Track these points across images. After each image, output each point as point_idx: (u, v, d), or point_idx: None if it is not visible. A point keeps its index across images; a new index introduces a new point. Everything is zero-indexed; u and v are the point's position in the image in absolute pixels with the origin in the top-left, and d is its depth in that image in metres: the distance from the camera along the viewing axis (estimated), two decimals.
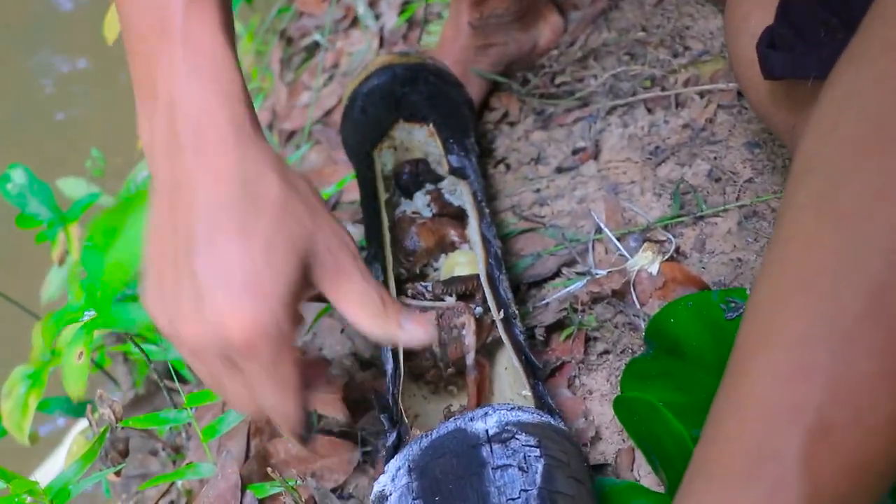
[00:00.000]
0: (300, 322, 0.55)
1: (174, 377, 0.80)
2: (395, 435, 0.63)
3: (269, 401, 0.54)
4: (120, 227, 0.64)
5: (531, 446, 0.54)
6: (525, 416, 0.57)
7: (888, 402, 0.38)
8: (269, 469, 0.66)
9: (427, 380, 0.72)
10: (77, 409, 1.16)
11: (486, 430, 0.56)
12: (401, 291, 0.77)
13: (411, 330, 0.57)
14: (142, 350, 0.75)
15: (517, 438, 0.55)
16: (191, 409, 0.75)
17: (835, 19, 0.57)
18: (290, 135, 1.36)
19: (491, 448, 0.54)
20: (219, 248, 0.51)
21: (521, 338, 0.69)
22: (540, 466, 0.53)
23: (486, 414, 0.57)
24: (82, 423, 1.34)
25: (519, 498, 0.52)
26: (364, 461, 0.73)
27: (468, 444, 0.55)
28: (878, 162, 0.39)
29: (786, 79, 0.62)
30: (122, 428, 0.77)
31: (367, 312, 0.56)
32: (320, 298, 0.57)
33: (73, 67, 2.54)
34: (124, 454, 0.78)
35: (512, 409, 0.58)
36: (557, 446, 0.56)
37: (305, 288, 0.55)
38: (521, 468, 0.53)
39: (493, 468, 0.53)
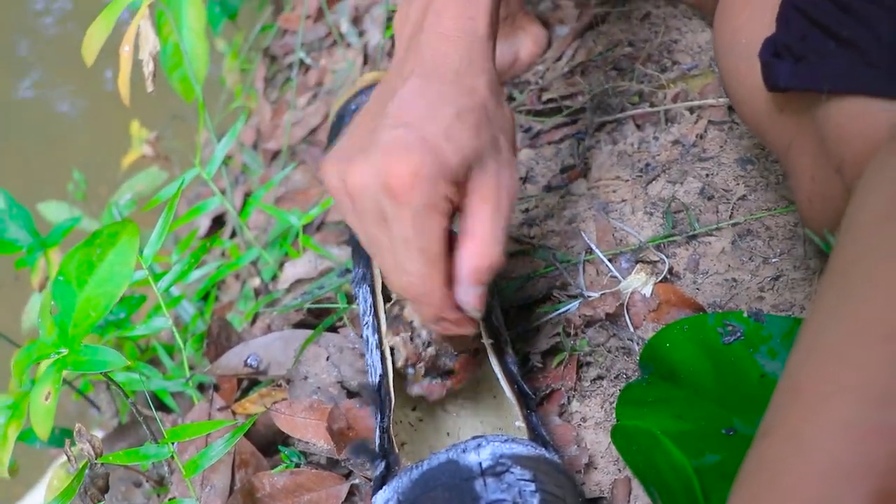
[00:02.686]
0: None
1: (151, 406, 0.77)
2: (383, 465, 0.61)
3: (411, 267, 0.56)
4: (96, 262, 0.62)
5: (526, 480, 0.52)
6: (519, 449, 0.55)
7: None
8: None
9: (414, 406, 0.70)
10: (59, 440, 1.14)
11: (480, 463, 0.53)
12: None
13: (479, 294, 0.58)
14: (118, 385, 0.73)
15: (511, 472, 0.53)
16: (172, 443, 0.72)
17: (846, 31, 0.55)
18: (275, 154, 1.34)
19: (485, 482, 0.52)
20: (413, 106, 0.57)
21: (514, 366, 0.67)
22: (535, 502, 0.51)
23: (479, 445, 0.55)
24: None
25: None
26: (353, 493, 0.70)
27: (461, 477, 0.53)
28: None
29: (791, 90, 0.60)
30: (102, 463, 0.75)
31: (489, 232, 0.57)
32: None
33: (57, 89, 2.53)
34: (104, 490, 0.76)
35: (506, 440, 0.55)
36: (552, 480, 0.54)
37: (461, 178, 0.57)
38: (515, 503, 0.51)
39: (487, 503, 0.51)
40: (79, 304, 0.62)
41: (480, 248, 0.57)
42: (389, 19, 1.32)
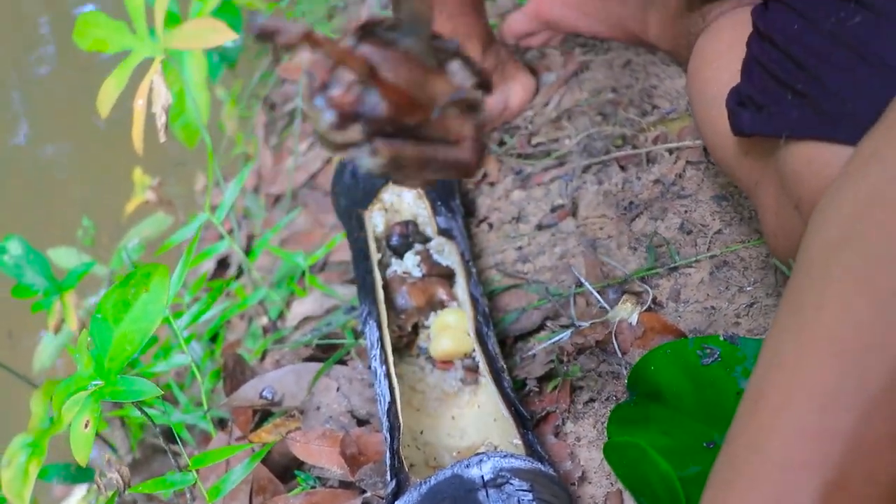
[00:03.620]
0: None
1: (177, 439, 0.83)
2: (394, 483, 0.66)
3: None
4: (132, 301, 0.68)
5: (524, 490, 0.58)
6: (517, 463, 0.61)
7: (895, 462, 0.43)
8: None
9: (422, 430, 0.76)
10: (76, 476, 1.19)
11: (482, 476, 0.59)
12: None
13: None
14: (146, 414, 0.79)
15: (511, 483, 0.58)
16: (194, 470, 0.78)
17: (800, 84, 0.62)
18: (277, 198, 1.40)
19: (487, 493, 0.58)
20: None
21: (510, 390, 0.73)
22: None
23: (480, 461, 0.61)
24: (78, 490, 1.36)
25: None
26: None
27: (465, 489, 0.59)
28: None
29: (755, 135, 0.67)
30: (129, 493, 0.80)
31: None
32: None
33: (50, 139, 2.59)
34: None
35: (505, 456, 0.61)
36: (548, 490, 0.59)
37: None
38: None
39: None
40: (115, 340, 0.68)
41: None
42: None
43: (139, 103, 1.00)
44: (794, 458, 0.43)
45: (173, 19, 1.44)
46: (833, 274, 0.46)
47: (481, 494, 0.58)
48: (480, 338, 0.77)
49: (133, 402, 0.82)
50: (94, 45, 1.01)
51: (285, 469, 0.86)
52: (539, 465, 0.62)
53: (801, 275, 0.48)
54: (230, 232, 1.44)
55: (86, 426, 0.69)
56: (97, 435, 1.26)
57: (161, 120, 0.98)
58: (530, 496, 0.58)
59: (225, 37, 0.95)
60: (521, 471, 0.60)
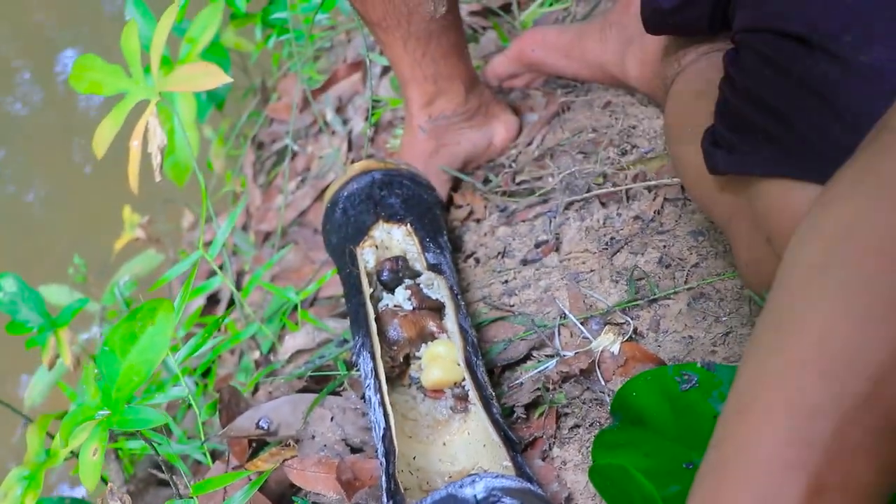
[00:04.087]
0: None
1: (183, 469, 0.85)
2: None
3: None
4: (138, 333, 0.71)
5: None
6: (508, 483, 0.64)
7: (869, 472, 0.47)
8: None
9: (415, 456, 0.79)
10: None
11: (475, 496, 0.63)
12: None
13: None
14: (150, 443, 0.82)
15: (502, 501, 0.62)
16: (195, 497, 0.80)
17: (771, 126, 0.67)
18: (267, 235, 1.44)
19: None
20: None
21: (499, 416, 0.76)
22: None
23: (473, 481, 0.64)
24: None
25: None
26: None
27: None
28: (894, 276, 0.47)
29: (729, 174, 0.72)
30: None
31: None
32: None
33: (33, 181, 2.62)
34: None
35: (496, 476, 0.65)
36: None
37: None
38: None
39: None
40: (122, 371, 0.71)
41: None
42: (370, 108, 1.44)
43: (135, 144, 1.03)
44: (780, 461, 0.47)
45: (164, 62, 1.48)
46: (816, 296, 0.50)
47: None
48: (470, 367, 0.81)
49: (138, 433, 0.85)
50: (91, 87, 1.05)
51: (281, 497, 0.89)
52: (529, 485, 0.66)
53: (784, 294, 0.52)
54: (221, 268, 1.48)
55: (94, 454, 0.72)
56: None
57: (157, 160, 1.01)
58: None
59: (218, 80, 0.99)
60: (512, 490, 0.64)
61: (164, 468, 0.83)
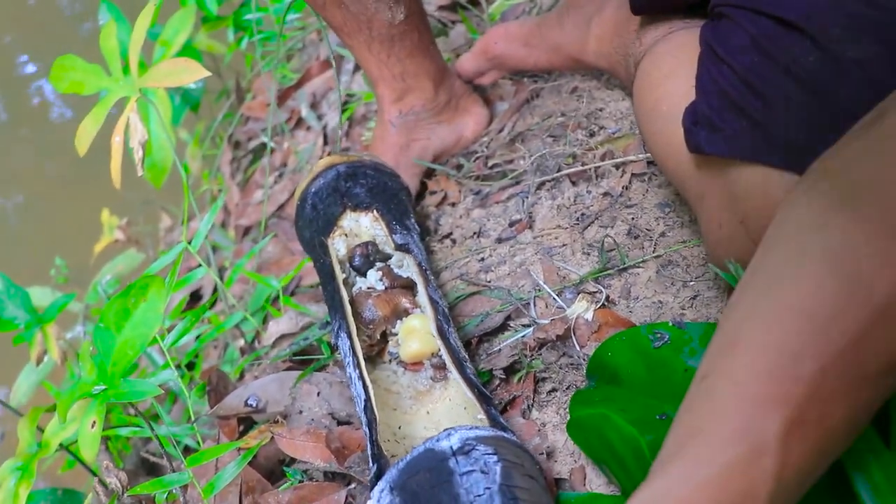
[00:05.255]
0: None
1: (166, 451, 0.88)
2: (376, 466, 0.73)
3: None
4: (132, 309, 0.74)
5: (489, 454, 0.66)
6: (482, 432, 0.68)
7: (843, 412, 0.52)
8: None
9: (399, 426, 0.83)
10: (62, 500, 1.23)
11: (451, 447, 0.67)
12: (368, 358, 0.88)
13: None
14: (147, 421, 0.84)
15: (477, 449, 0.66)
16: (189, 469, 0.83)
17: (755, 112, 0.69)
18: (247, 230, 1.46)
19: (456, 459, 0.66)
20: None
21: (472, 375, 0.80)
22: (498, 468, 0.65)
23: (448, 434, 0.68)
24: None
25: (483, 494, 0.63)
26: (350, 496, 0.82)
27: (437, 459, 0.66)
28: (886, 237, 0.52)
29: (711, 155, 0.74)
30: (129, 496, 0.85)
31: None
32: None
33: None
34: None
35: (471, 428, 0.69)
36: (511, 452, 0.67)
37: None
38: (482, 471, 0.65)
39: (459, 474, 0.65)
40: (117, 346, 0.74)
41: None
42: (345, 103, 1.47)
43: (116, 140, 1.05)
44: (764, 394, 0.51)
45: (140, 66, 1.51)
46: (809, 253, 0.54)
47: (451, 462, 0.66)
48: (442, 334, 0.84)
49: (135, 412, 0.87)
50: (71, 87, 1.07)
51: (271, 472, 0.92)
52: (502, 433, 0.70)
53: (776, 252, 0.56)
54: (205, 263, 1.50)
55: (92, 426, 0.75)
56: (79, 461, 1.31)
57: (138, 154, 1.04)
58: (495, 458, 0.66)
59: (198, 74, 1.01)
60: (486, 438, 0.68)
61: (160, 447, 0.86)
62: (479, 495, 0.63)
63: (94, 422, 0.75)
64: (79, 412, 0.79)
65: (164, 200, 1.97)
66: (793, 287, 0.54)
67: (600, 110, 1.14)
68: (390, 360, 0.93)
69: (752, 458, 0.51)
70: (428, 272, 0.94)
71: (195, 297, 1.52)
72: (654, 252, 0.92)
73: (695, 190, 0.81)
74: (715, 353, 0.56)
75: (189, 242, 1.08)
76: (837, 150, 0.57)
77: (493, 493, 0.63)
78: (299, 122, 1.53)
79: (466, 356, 0.83)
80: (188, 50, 1.70)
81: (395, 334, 0.92)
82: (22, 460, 1.02)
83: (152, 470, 1.25)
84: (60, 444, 1.02)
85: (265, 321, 1.21)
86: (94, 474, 1.33)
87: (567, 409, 0.82)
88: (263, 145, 1.60)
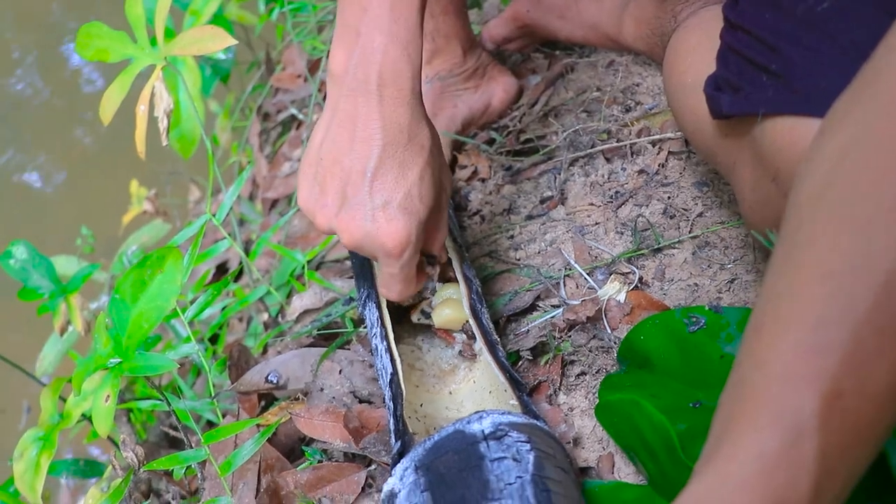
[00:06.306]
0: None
1: (186, 426, 0.86)
2: (399, 443, 0.71)
3: (397, 287, 0.78)
4: (148, 281, 0.71)
5: (522, 441, 0.63)
6: (515, 419, 0.65)
7: (886, 375, 0.47)
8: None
9: (422, 403, 0.80)
10: (85, 471, 1.22)
11: (483, 430, 0.64)
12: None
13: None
14: (164, 396, 0.82)
15: (510, 435, 0.63)
16: (207, 446, 0.81)
17: (774, 65, 0.67)
18: (274, 203, 1.44)
19: (488, 444, 0.62)
20: (386, 178, 0.73)
21: (504, 359, 0.77)
22: (531, 457, 0.62)
23: (480, 417, 0.65)
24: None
25: (515, 483, 0.60)
26: (371, 478, 0.80)
27: (467, 442, 0.63)
28: (892, 186, 0.48)
29: (733, 116, 0.72)
30: (144, 471, 0.84)
31: (440, 247, 0.83)
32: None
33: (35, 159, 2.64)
34: (147, 495, 0.85)
35: (503, 413, 0.66)
36: (544, 442, 0.64)
37: (436, 212, 0.78)
38: (514, 459, 0.61)
39: (490, 460, 0.61)
40: (132, 319, 0.72)
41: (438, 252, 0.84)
42: None
43: (141, 109, 1.03)
44: (794, 374, 0.48)
45: (168, 34, 1.48)
46: (820, 215, 0.51)
47: (482, 446, 0.63)
48: (475, 314, 0.81)
49: (155, 387, 0.86)
50: (97, 54, 1.05)
51: (291, 450, 0.90)
52: (535, 421, 0.67)
53: (792, 221, 0.53)
54: (229, 235, 1.48)
55: (106, 399, 0.73)
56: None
57: (163, 124, 1.02)
58: (528, 446, 0.62)
59: (224, 42, 0.99)
60: (519, 424, 0.64)
61: (178, 423, 0.84)
62: (510, 483, 0.60)
63: (109, 395, 0.73)
64: (94, 385, 0.77)
65: (194, 172, 1.95)
66: (807, 254, 0.51)
67: (637, 85, 1.11)
68: (415, 336, 0.90)
69: (790, 447, 0.47)
70: (462, 248, 0.91)
71: (222, 269, 1.50)
72: (690, 232, 0.89)
73: (725, 161, 0.79)
74: (745, 338, 0.53)
75: (214, 215, 1.06)
76: (837, 103, 0.54)
77: (524, 483, 0.60)
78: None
79: (498, 339, 0.80)
80: (218, 19, 1.68)
81: (427, 298, 0.89)
82: (44, 430, 1.01)
83: (174, 443, 1.23)
84: (83, 415, 1.01)
85: (290, 296, 1.19)
86: (117, 445, 1.32)
87: (596, 394, 0.79)
88: (293, 117, 1.58)
